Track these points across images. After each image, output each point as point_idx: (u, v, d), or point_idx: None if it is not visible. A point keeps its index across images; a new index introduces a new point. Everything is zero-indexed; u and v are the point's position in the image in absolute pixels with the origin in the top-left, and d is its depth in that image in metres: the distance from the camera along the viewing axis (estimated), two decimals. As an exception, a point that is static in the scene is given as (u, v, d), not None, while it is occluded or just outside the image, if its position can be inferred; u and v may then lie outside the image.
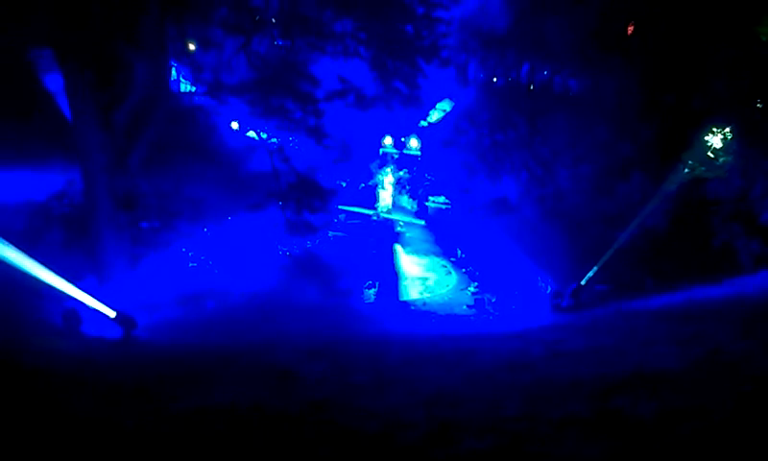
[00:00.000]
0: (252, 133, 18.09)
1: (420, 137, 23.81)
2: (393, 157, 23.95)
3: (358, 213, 22.61)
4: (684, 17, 14.17)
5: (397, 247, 20.92)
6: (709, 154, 14.37)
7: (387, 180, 23.74)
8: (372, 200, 23.46)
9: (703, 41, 13.82)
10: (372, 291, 17.82)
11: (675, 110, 14.71)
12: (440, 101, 22.55)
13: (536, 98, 19.97)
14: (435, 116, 23.34)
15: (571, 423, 5.14)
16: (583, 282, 14.16)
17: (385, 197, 23.75)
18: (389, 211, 23.42)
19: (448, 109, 23.04)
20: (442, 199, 23.17)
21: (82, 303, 11.68)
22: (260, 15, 15.70)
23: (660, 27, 14.78)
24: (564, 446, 4.72)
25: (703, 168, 14.19)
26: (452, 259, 20.45)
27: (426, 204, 23.54)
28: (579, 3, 16.16)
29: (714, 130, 14.56)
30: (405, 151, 23.92)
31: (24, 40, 13.35)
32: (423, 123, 23.62)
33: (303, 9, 16.07)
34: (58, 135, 14.17)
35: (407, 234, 21.97)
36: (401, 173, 23.94)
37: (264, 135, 17.18)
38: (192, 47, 17.59)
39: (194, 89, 17.98)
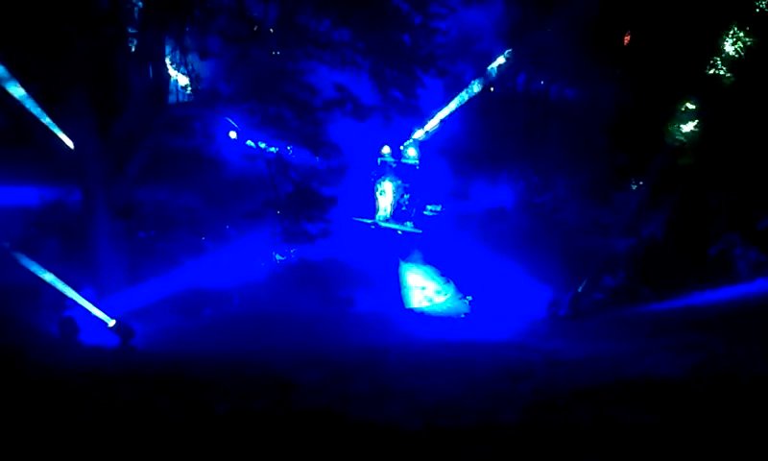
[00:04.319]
0: (249, 142, 18.08)
1: (417, 146, 23.84)
2: (391, 166, 23.94)
3: (356, 222, 22.58)
4: (679, 26, 14.25)
5: (396, 256, 20.90)
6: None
7: (385, 188, 23.73)
8: (370, 208, 23.45)
9: (699, 49, 13.90)
10: (370, 300, 17.78)
11: (671, 118, 14.78)
12: (437, 110, 22.58)
13: (532, 107, 20.02)
14: (433, 125, 23.38)
15: (571, 432, 5.13)
16: (580, 291, 14.15)
17: (383, 205, 23.72)
18: (387, 220, 23.40)
19: (446, 119, 23.08)
20: (439, 208, 23.17)
21: (79, 311, 11.65)
22: (258, 25, 15.74)
23: (655, 36, 14.86)
24: (564, 455, 4.71)
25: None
26: (449, 268, 20.42)
27: (424, 212, 23.53)
28: (574, 13, 16.23)
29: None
30: (403, 160, 23.91)
31: (20, 54, 13.29)
32: (422, 132, 23.66)
33: (301, 19, 16.11)
34: (54, 146, 14.13)
35: (405, 243, 21.96)
36: (399, 182, 23.94)
37: (262, 144, 17.17)
38: (189, 57, 17.61)
39: (191, 98, 17.97)
